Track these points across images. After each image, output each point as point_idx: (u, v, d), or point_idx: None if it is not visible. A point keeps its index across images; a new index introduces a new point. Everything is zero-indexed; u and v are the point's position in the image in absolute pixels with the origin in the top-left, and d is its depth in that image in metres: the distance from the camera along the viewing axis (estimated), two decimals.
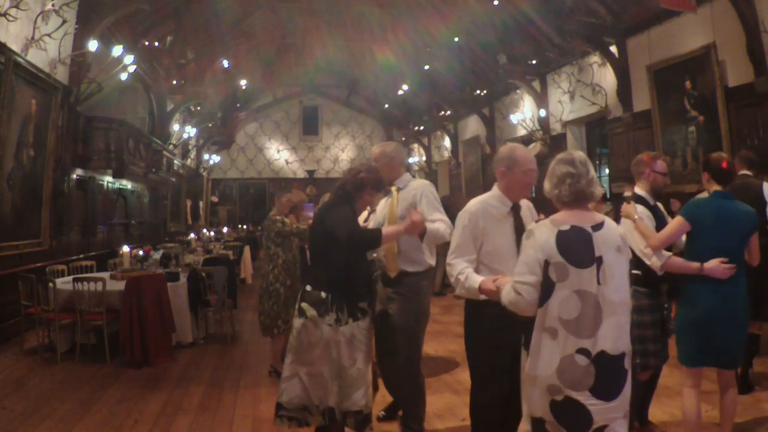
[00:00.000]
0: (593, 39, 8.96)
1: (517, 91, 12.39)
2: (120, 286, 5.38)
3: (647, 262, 3.00)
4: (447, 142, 17.36)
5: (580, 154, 2.15)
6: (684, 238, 3.03)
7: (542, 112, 11.30)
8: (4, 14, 5.75)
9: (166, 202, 14.37)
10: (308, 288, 2.94)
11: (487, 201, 2.67)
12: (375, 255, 3.33)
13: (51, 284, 5.27)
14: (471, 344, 2.76)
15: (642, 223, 3.02)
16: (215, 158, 18.99)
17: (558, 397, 1.98)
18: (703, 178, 3.10)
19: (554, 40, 9.86)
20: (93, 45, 7.44)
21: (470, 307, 2.71)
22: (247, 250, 10.89)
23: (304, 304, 2.88)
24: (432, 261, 3.31)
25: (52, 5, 6.67)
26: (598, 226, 2.06)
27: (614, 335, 1.99)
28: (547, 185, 2.15)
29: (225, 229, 15.08)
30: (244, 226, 17.65)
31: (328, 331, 2.81)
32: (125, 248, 6.70)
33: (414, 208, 3.11)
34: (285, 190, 5.06)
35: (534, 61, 11.05)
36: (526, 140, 12.53)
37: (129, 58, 8.37)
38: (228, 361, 5.41)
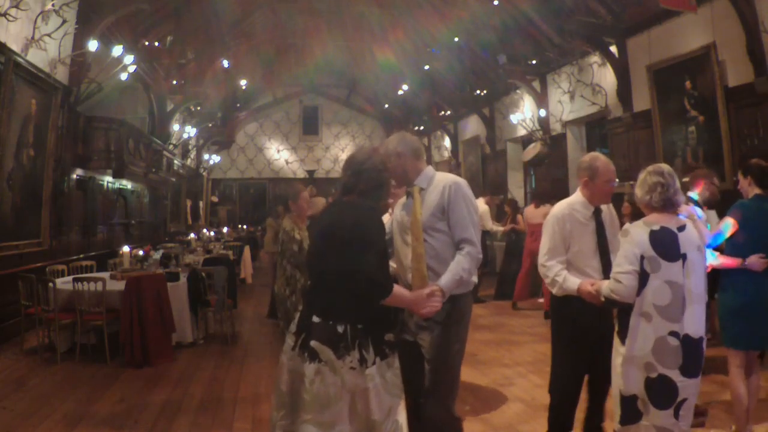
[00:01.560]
0: (593, 39, 8.95)
1: (517, 91, 12.38)
2: (120, 286, 5.38)
3: None
4: (447, 142, 17.35)
5: (667, 167, 2.51)
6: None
7: (542, 112, 11.29)
8: (4, 14, 5.75)
9: (166, 202, 14.36)
10: (316, 319, 2.18)
11: (573, 206, 2.95)
12: (395, 266, 2.77)
13: (51, 284, 5.27)
14: (556, 332, 3.03)
15: (699, 224, 3.28)
16: (215, 158, 18.99)
17: (653, 375, 2.35)
18: (743, 181, 3.35)
19: (554, 40, 9.86)
20: (93, 45, 7.43)
21: (557, 301, 2.97)
22: (247, 250, 10.89)
23: (314, 343, 2.14)
24: (475, 278, 2.65)
25: (52, 5, 6.66)
26: (682, 228, 2.43)
27: (696, 321, 2.36)
28: (638, 192, 2.51)
29: (225, 229, 15.09)
30: (244, 226, 17.66)
31: (350, 376, 2.12)
32: (125, 248, 6.71)
33: (441, 211, 2.55)
34: (295, 189, 4.41)
35: (534, 61, 11.05)
36: (526, 140, 12.54)
37: (129, 58, 8.37)
38: (228, 361, 5.41)
